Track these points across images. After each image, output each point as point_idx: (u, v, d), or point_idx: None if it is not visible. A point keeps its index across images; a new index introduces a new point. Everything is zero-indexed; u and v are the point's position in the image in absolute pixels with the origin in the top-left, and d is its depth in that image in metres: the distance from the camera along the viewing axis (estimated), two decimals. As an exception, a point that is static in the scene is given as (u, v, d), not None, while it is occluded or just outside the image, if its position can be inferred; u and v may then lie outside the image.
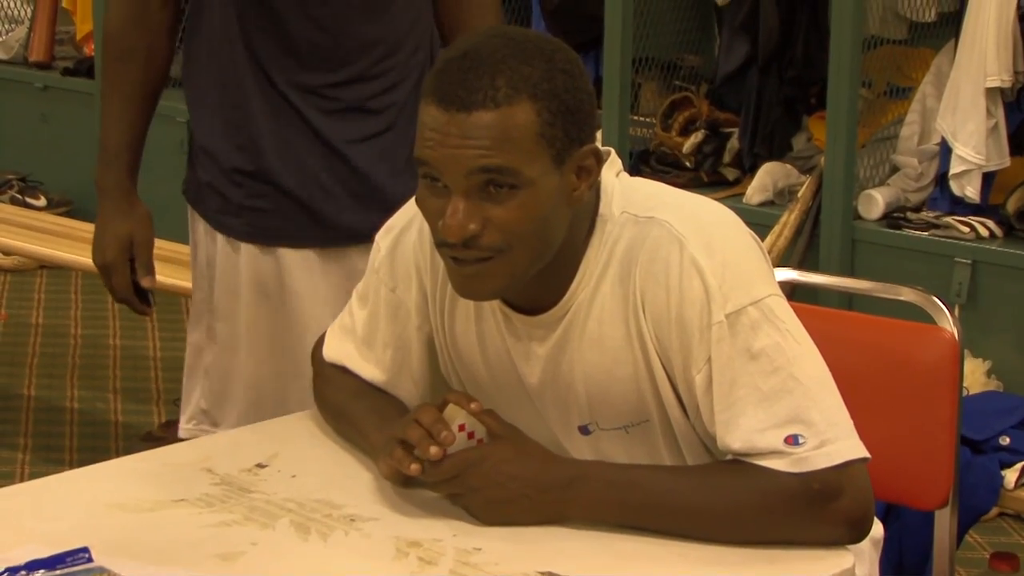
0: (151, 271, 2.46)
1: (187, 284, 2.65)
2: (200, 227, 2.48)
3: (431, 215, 1.73)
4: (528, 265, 1.74)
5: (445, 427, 1.73)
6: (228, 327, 2.44)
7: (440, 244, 1.74)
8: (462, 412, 1.74)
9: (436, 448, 1.71)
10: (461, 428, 1.74)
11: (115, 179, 2.44)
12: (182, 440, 2.39)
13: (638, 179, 1.85)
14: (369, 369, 1.96)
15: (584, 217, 1.78)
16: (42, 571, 1.56)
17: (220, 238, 2.44)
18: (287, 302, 2.38)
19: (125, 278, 2.44)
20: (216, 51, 2.36)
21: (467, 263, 1.73)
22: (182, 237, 2.64)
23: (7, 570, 1.56)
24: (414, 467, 1.73)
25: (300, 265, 2.38)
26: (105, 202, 2.45)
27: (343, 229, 2.37)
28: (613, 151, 1.83)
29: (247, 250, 2.41)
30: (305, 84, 2.34)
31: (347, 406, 1.96)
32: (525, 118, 1.68)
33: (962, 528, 2.41)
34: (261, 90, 2.34)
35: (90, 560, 1.59)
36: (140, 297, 2.47)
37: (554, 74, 1.70)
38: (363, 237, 2.13)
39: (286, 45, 2.33)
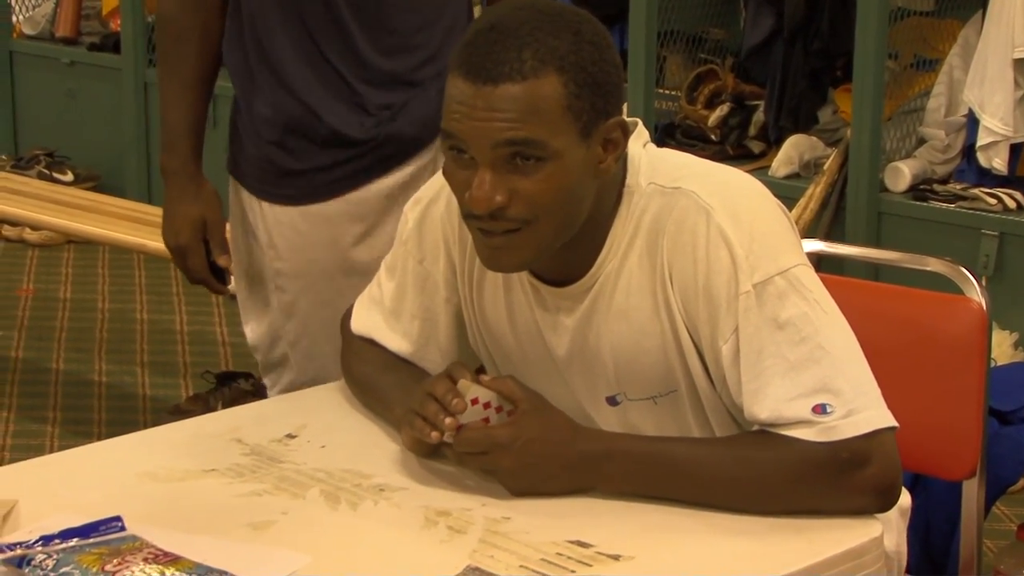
0: (226, 249, 2.47)
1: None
2: (246, 200, 2.48)
3: (458, 187, 1.74)
4: (555, 237, 1.74)
5: (457, 395, 1.73)
6: (303, 293, 2.42)
7: (467, 216, 1.75)
8: (475, 385, 1.75)
9: (451, 419, 1.72)
10: (475, 401, 1.74)
11: (181, 161, 2.44)
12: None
13: (665, 150, 1.85)
14: (396, 341, 1.97)
15: (611, 188, 1.78)
16: (76, 539, 1.57)
17: (267, 207, 2.43)
18: (347, 252, 2.38)
19: (201, 258, 2.45)
20: (262, 24, 2.36)
21: (494, 235, 1.73)
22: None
23: (42, 538, 1.57)
24: (434, 434, 1.74)
25: (357, 212, 2.38)
26: (172, 185, 2.45)
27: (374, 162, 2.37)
28: (640, 123, 1.83)
29: (297, 211, 2.39)
30: (353, 53, 2.34)
31: (374, 379, 1.97)
32: (552, 90, 1.68)
33: (989, 499, 2.40)
34: (309, 60, 2.34)
35: (123, 529, 1.60)
36: (216, 276, 2.48)
37: (581, 46, 1.70)
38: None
39: (334, 15, 2.33)
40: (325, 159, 2.37)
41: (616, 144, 1.74)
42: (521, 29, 1.69)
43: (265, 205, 2.42)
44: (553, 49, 1.68)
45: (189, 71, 2.42)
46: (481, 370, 2.01)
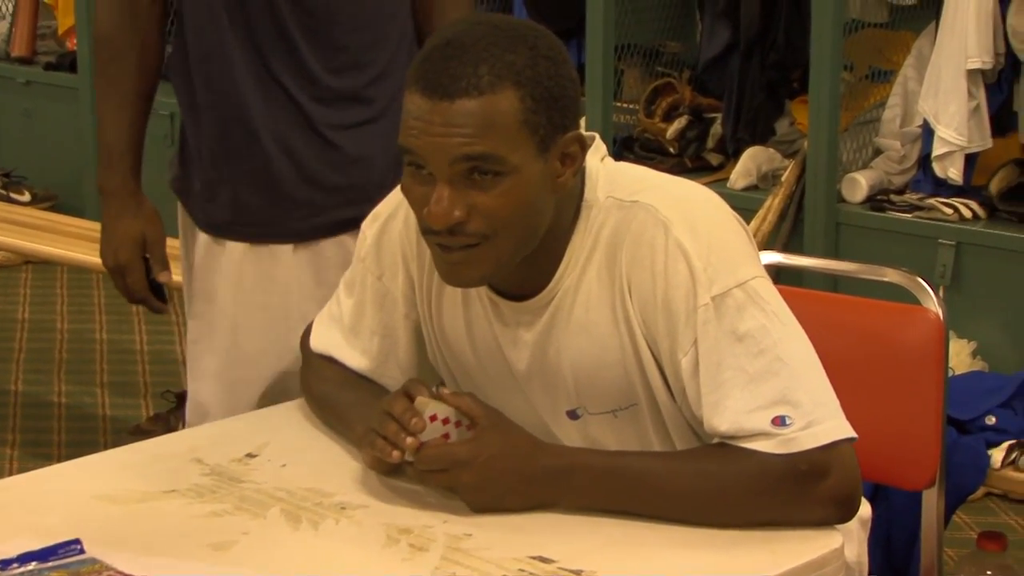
0: (167, 266, 2.45)
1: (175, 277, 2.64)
2: (188, 221, 2.48)
3: (416, 203, 1.74)
4: (513, 251, 1.74)
5: (415, 414, 1.73)
6: (209, 324, 2.43)
7: (426, 231, 1.75)
8: (433, 401, 1.75)
9: (412, 439, 1.72)
10: (433, 418, 1.74)
11: (120, 180, 2.43)
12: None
13: (623, 164, 1.86)
14: (355, 357, 1.96)
15: (569, 202, 1.78)
16: (35, 563, 1.56)
17: (202, 235, 2.43)
18: (274, 297, 2.38)
19: (141, 277, 2.44)
20: (207, 41, 2.34)
21: (453, 250, 1.73)
22: (169, 231, 2.63)
23: (0, 563, 1.56)
24: (395, 454, 1.73)
25: (289, 258, 2.37)
26: (111, 203, 2.44)
27: (331, 220, 2.37)
28: (598, 136, 1.84)
29: (231, 247, 2.40)
30: (301, 70, 2.33)
31: (333, 396, 1.97)
32: (508, 105, 1.68)
33: (949, 508, 2.42)
34: (256, 77, 2.33)
35: (82, 552, 1.60)
36: (155, 294, 2.46)
37: (537, 61, 1.70)
38: (351, 226, 2.13)
39: (282, 30, 2.32)
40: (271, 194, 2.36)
41: (574, 158, 1.74)
42: (477, 44, 1.69)
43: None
44: (509, 64, 1.68)
45: (128, 88, 2.41)
46: (442, 384, 2.00)
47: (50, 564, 1.56)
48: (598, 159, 1.82)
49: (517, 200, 1.70)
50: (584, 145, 1.76)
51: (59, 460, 1.99)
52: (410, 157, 1.72)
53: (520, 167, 1.69)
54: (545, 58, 1.71)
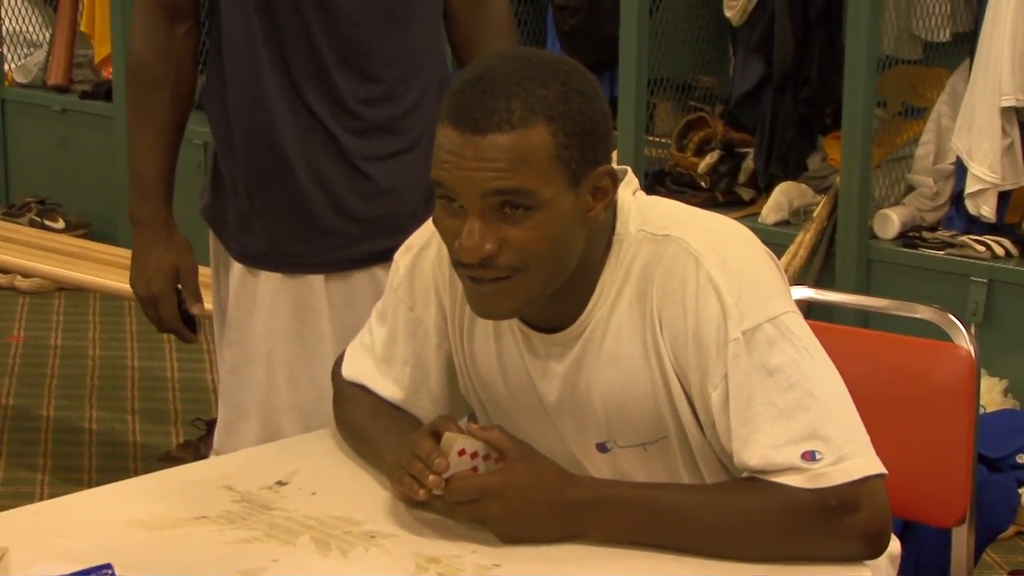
0: (200, 298, 2.46)
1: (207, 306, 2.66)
2: (220, 250, 2.49)
3: (448, 235, 1.75)
4: (544, 284, 1.75)
5: (440, 455, 1.74)
6: (243, 353, 2.44)
7: (457, 264, 1.76)
8: (460, 436, 1.75)
9: (435, 477, 1.73)
10: (461, 453, 1.74)
11: (152, 209, 2.43)
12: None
13: (654, 197, 1.86)
14: (387, 387, 1.97)
15: (601, 236, 1.79)
16: (65, 587, 1.57)
17: (236, 265, 2.45)
18: (307, 327, 2.39)
19: (173, 307, 2.44)
20: (241, 73, 2.35)
21: (484, 283, 1.74)
22: (199, 258, 2.65)
23: (31, 586, 1.57)
24: (422, 492, 1.74)
25: (321, 288, 2.39)
26: (143, 233, 2.44)
27: (363, 252, 2.38)
28: (630, 170, 1.85)
29: (266, 277, 2.41)
30: (335, 100, 2.34)
31: (364, 426, 1.97)
32: (540, 140, 1.69)
33: (979, 546, 2.41)
34: (291, 108, 2.34)
35: (113, 576, 1.60)
36: (186, 325, 2.48)
37: (569, 96, 1.71)
38: (383, 258, 2.14)
39: (318, 62, 2.33)
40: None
41: (605, 192, 1.75)
42: (509, 79, 1.70)
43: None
44: (541, 99, 1.69)
45: (160, 118, 2.41)
46: (472, 417, 2.01)
47: (81, 588, 1.57)
48: (630, 193, 1.83)
49: (548, 234, 1.71)
50: (615, 179, 1.77)
51: (89, 485, 2.01)
52: (442, 190, 1.73)
53: (551, 201, 1.70)
54: (577, 93, 1.72)
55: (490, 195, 1.69)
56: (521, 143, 1.68)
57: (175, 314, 2.45)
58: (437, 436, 1.77)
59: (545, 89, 1.70)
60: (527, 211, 1.70)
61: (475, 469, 1.75)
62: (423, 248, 1.94)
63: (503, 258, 1.71)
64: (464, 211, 1.71)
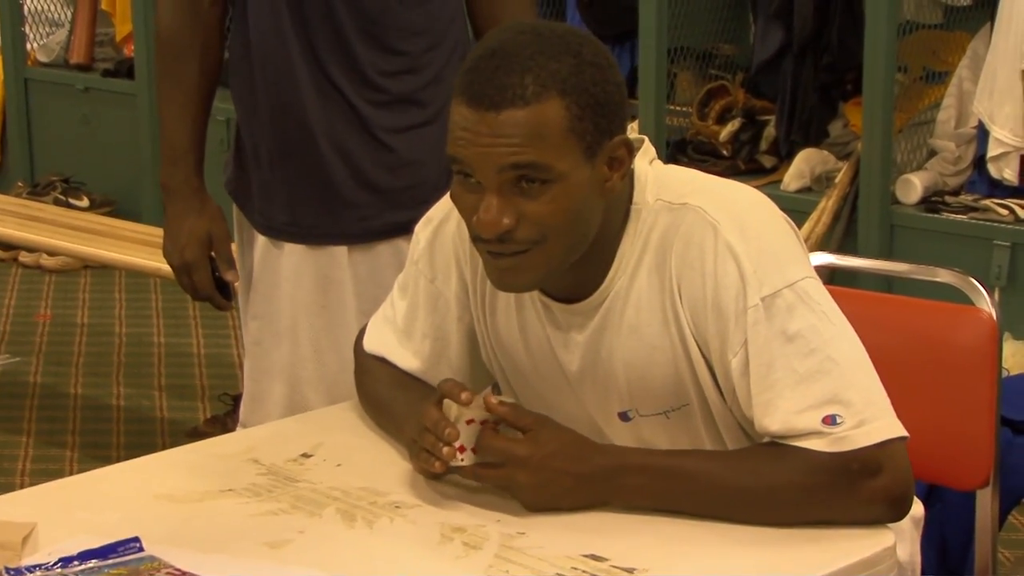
0: (233, 265, 2.47)
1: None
2: (244, 223, 2.50)
3: (466, 210, 1.75)
4: (563, 256, 1.76)
5: (449, 424, 1.74)
6: (268, 325, 2.45)
7: (476, 239, 1.76)
8: (464, 408, 1.75)
9: (448, 449, 1.74)
10: (470, 422, 1.75)
11: (183, 178, 2.44)
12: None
13: (671, 166, 1.86)
14: (407, 359, 1.98)
15: (619, 206, 1.79)
16: (94, 561, 1.58)
17: (260, 237, 2.45)
18: (332, 297, 2.40)
19: (208, 275, 2.45)
20: (266, 45, 2.36)
21: (503, 257, 1.74)
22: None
23: (60, 560, 1.58)
24: (438, 465, 1.75)
25: (344, 259, 2.40)
26: (175, 202, 2.45)
27: (386, 223, 2.39)
28: (646, 140, 1.85)
29: (289, 249, 2.42)
30: (358, 72, 2.35)
31: (385, 399, 1.98)
32: (554, 114, 1.69)
33: (1004, 509, 2.40)
34: (314, 81, 2.35)
35: (141, 549, 1.62)
36: (220, 292, 2.48)
37: (582, 68, 1.71)
38: (405, 229, 2.15)
39: (340, 35, 2.34)
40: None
41: (621, 162, 1.75)
42: (522, 53, 1.70)
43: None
44: (554, 73, 1.69)
45: (190, 87, 2.43)
46: (496, 388, 2.02)
47: (110, 562, 1.58)
48: (647, 162, 1.83)
49: (565, 206, 1.71)
50: (631, 149, 1.77)
51: (117, 462, 2.01)
52: (458, 166, 1.73)
53: (567, 174, 1.70)
54: (590, 65, 1.72)
55: (506, 170, 1.69)
56: (536, 118, 1.68)
57: (210, 281, 2.46)
58: (440, 407, 1.77)
59: (558, 63, 1.70)
60: (544, 185, 1.70)
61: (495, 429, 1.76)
62: (443, 220, 1.95)
63: (521, 232, 1.72)
64: (481, 187, 1.72)
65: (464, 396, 1.75)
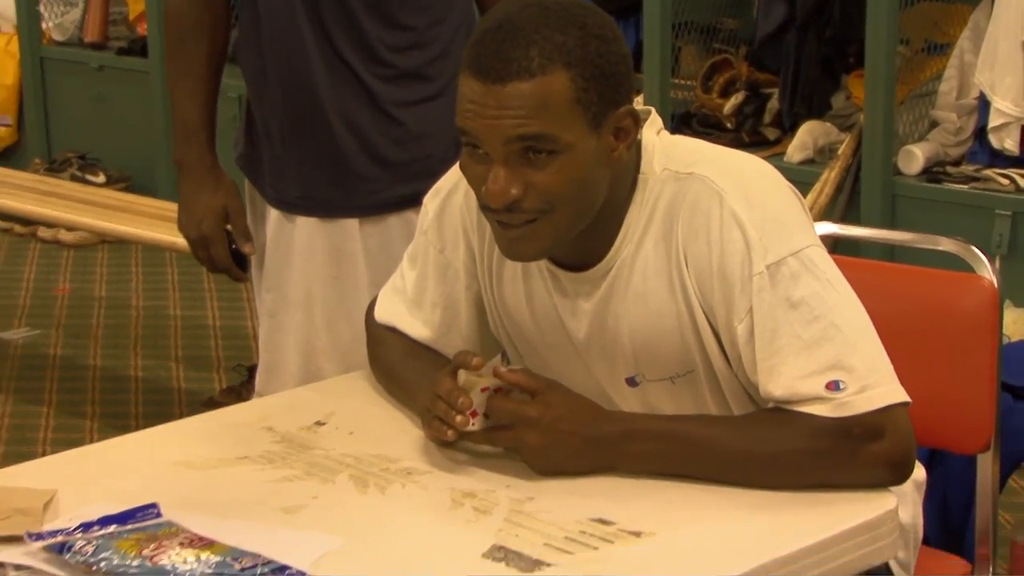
0: (250, 238, 2.47)
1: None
2: (257, 198, 2.50)
3: (475, 181, 1.75)
4: (571, 225, 1.75)
5: (462, 394, 1.75)
6: (281, 297, 2.45)
7: (485, 209, 1.76)
8: (476, 377, 1.76)
9: (462, 418, 1.74)
10: (484, 389, 1.76)
11: (197, 154, 2.45)
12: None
13: (678, 137, 1.86)
14: (418, 328, 1.98)
15: (626, 175, 1.79)
16: (114, 526, 1.58)
17: (273, 211, 2.45)
18: (343, 269, 2.40)
19: (224, 247, 2.45)
20: (275, 21, 2.36)
21: (511, 227, 1.74)
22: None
23: (81, 525, 1.59)
24: (450, 433, 1.76)
25: (356, 232, 2.39)
26: (189, 177, 2.45)
27: (396, 195, 2.39)
28: (653, 111, 1.84)
29: (302, 222, 2.42)
30: (366, 48, 2.35)
31: (397, 367, 1.98)
32: (560, 86, 1.68)
33: (1004, 473, 2.40)
34: (323, 56, 2.35)
35: (159, 515, 1.62)
36: (237, 263, 2.49)
37: (587, 40, 1.70)
38: (415, 201, 2.14)
39: (348, 11, 2.33)
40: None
41: (627, 132, 1.75)
42: (528, 26, 1.69)
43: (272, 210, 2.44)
44: (560, 45, 1.69)
45: (200, 66, 2.43)
46: (505, 356, 2.02)
47: (128, 527, 1.59)
48: (654, 132, 1.82)
49: (572, 176, 1.71)
50: (637, 119, 1.76)
51: (136, 431, 2.02)
52: (467, 138, 1.73)
53: (573, 144, 1.70)
54: (595, 37, 1.71)
55: (513, 141, 1.69)
56: (541, 89, 1.68)
57: (226, 254, 2.46)
58: (455, 376, 1.78)
59: (563, 35, 1.69)
60: (550, 155, 1.70)
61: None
62: (451, 191, 1.95)
63: (529, 202, 1.71)
64: (489, 158, 1.71)
65: (475, 362, 1.75)
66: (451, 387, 1.76)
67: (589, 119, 1.70)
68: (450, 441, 1.77)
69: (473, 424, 1.75)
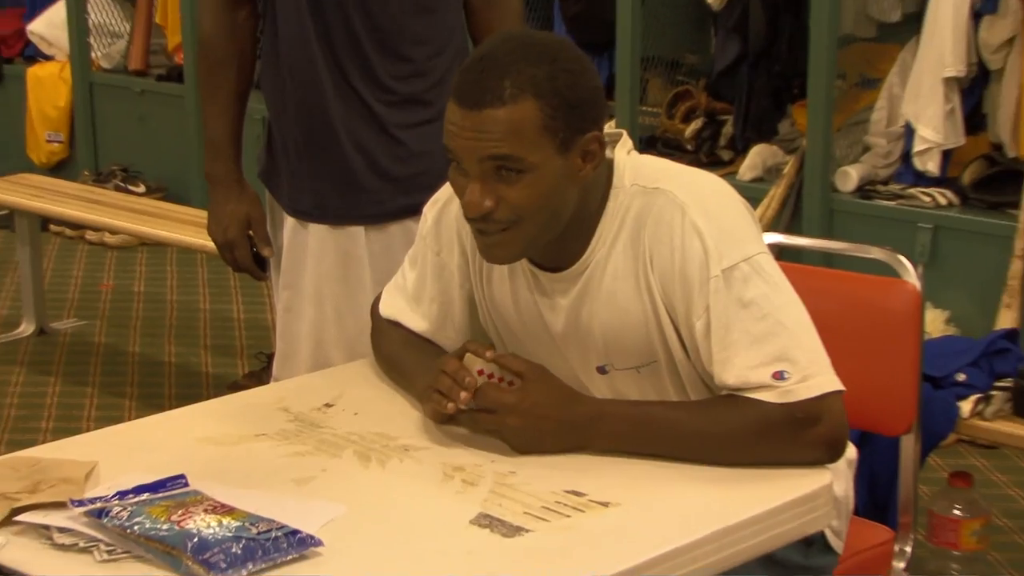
0: (269, 243, 2.46)
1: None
2: (276, 207, 2.49)
3: (458, 192, 1.75)
4: (538, 234, 1.74)
5: (468, 373, 1.74)
6: (296, 294, 2.44)
7: (465, 217, 1.75)
8: (480, 360, 1.75)
9: (465, 393, 1.73)
10: (480, 372, 1.75)
11: (224, 168, 2.44)
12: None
13: (646, 156, 1.85)
14: (417, 321, 1.97)
15: (598, 188, 1.78)
16: (146, 494, 1.57)
17: (289, 219, 2.44)
18: (351, 270, 2.38)
19: (247, 251, 2.44)
20: (294, 54, 2.35)
21: (488, 234, 1.74)
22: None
23: (118, 493, 1.57)
24: (450, 406, 1.74)
25: (362, 238, 2.38)
26: (217, 189, 2.44)
27: (398, 206, 2.37)
28: (625, 133, 1.83)
29: (314, 229, 2.40)
30: (372, 77, 2.33)
31: (398, 356, 1.97)
32: (529, 113, 1.67)
33: (924, 452, 2.40)
34: (335, 84, 2.33)
35: (187, 485, 1.60)
36: (258, 265, 2.47)
37: (557, 74, 1.69)
38: (414, 211, 2.13)
39: (357, 45, 2.32)
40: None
41: (594, 155, 1.73)
42: (505, 59, 1.68)
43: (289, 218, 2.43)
44: (531, 77, 1.67)
45: (228, 90, 2.42)
46: (492, 345, 2.01)
47: (159, 495, 1.57)
48: (625, 152, 1.81)
49: (537, 192, 1.70)
50: (603, 144, 1.75)
51: (168, 411, 2.00)
52: (451, 155, 1.73)
53: (540, 165, 1.69)
54: (565, 71, 1.70)
55: (486, 160, 1.68)
56: (512, 116, 1.67)
57: (248, 256, 2.45)
58: (460, 359, 1.77)
59: (535, 68, 1.68)
60: (519, 173, 1.69)
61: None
62: (447, 202, 1.93)
63: (500, 213, 1.71)
64: (468, 173, 1.70)
65: (489, 355, 1.75)
66: (458, 367, 1.75)
67: (557, 143, 1.69)
68: (448, 414, 1.76)
69: (470, 403, 1.74)
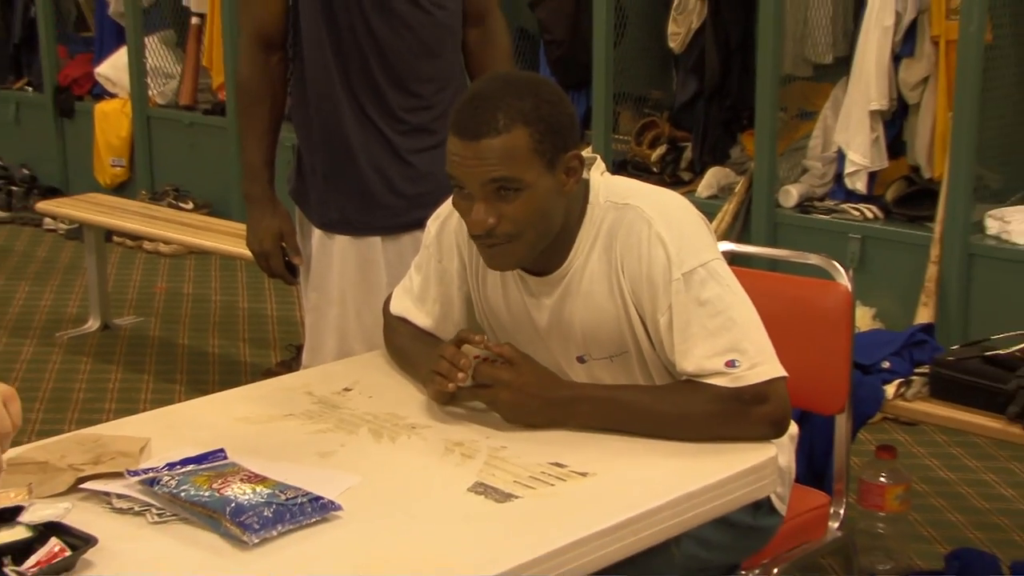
0: (299, 252, 2.45)
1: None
2: (304, 221, 2.47)
3: (463, 213, 1.73)
4: (535, 244, 1.73)
5: (463, 356, 1.73)
6: (323, 295, 2.42)
7: (470, 234, 1.73)
8: (475, 348, 1.74)
9: (462, 374, 1.71)
10: (476, 357, 1.74)
11: (260, 189, 2.42)
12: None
13: (618, 176, 1.83)
14: (422, 318, 1.96)
15: (576, 205, 1.77)
16: (192, 465, 1.56)
17: (316, 231, 2.43)
18: (369, 275, 2.37)
19: (279, 259, 2.43)
20: (319, 91, 2.34)
21: (492, 247, 1.72)
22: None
23: (167, 465, 1.56)
24: (451, 386, 1.73)
25: (379, 247, 2.37)
26: (254, 206, 2.42)
27: (409, 219, 2.35)
28: (599, 157, 1.82)
29: (339, 239, 2.39)
30: (387, 110, 2.32)
31: (406, 348, 1.96)
32: (521, 140, 1.66)
33: (855, 428, 2.39)
34: (355, 116, 2.32)
35: (225, 458, 1.59)
36: (290, 271, 2.46)
37: (540, 104, 1.68)
38: (422, 224, 2.12)
39: (374, 83, 2.31)
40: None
41: (575, 170, 1.72)
42: (495, 96, 1.67)
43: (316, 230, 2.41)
44: (519, 109, 1.66)
45: (263, 123, 2.40)
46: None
47: (203, 466, 1.56)
48: (599, 173, 1.80)
49: (534, 207, 1.69)
50: (582, 160, 1.74)
51: (212, 394, 1.99)
52: (454, 181, 1.71)
53: (534, 183, 1.68)
54: (547, 101, 1.69)
55: (488, 183, 1.67)
56: (506, 144, 1.66)
57: (281, 264, 2.44)
58: (458, 345, 1.76)
59: (522, 101, 1.67)
60: (517, 192, 1.68)
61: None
62: (448, 216, 1.92)
63: (501, 228, 1.70)
64: (471, 196, 1.69)
65: (478, 338, 1.75)
66: (455, 352, 1.75)
67: (545, 163, 1.68)
68: (448, 393, 1.74)
69: (464, 379, 1.72)
